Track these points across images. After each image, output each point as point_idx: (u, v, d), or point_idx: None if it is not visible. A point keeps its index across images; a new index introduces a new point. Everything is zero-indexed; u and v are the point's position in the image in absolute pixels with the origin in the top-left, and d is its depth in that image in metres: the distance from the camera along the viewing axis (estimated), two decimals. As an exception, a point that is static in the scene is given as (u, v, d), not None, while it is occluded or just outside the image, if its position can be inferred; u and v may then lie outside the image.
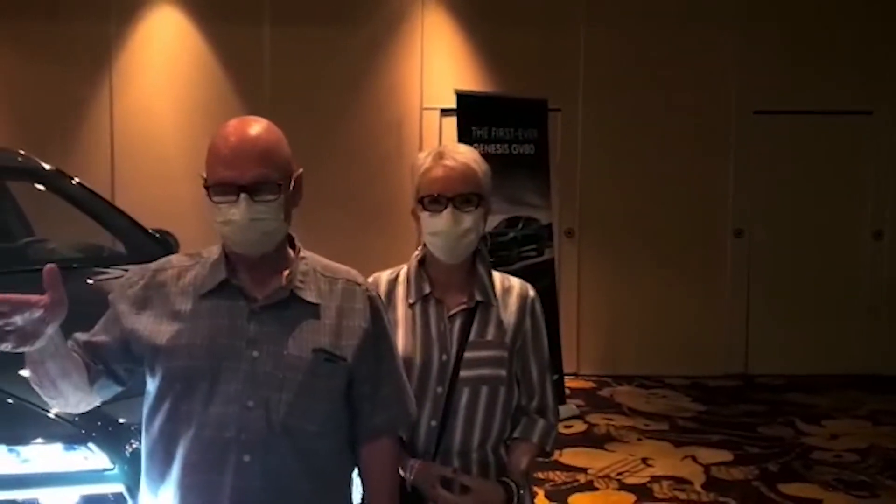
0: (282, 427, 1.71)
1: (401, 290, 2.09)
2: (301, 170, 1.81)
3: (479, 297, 2.05)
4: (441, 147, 2.07)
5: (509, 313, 2.08)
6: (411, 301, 2.06)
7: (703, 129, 6.73)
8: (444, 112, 6.41)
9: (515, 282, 2.13)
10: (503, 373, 2.04)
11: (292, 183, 1.77)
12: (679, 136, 6.69)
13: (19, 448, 2.32)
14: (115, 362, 1.77)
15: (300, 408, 1.72)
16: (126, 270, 1.87)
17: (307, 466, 1.74)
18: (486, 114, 5.51)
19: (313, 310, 1.77)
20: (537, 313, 2.12)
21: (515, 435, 2.10)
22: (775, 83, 6.67)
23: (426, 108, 6.66)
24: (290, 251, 1.84)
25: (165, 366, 1.73)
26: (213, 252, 1.82)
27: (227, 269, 1.77)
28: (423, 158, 2.04)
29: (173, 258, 1.86)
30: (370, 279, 2.09)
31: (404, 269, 2.11)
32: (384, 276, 2.12)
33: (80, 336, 1.77)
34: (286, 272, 1.78)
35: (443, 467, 1.98)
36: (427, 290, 2.05)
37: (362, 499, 1.89)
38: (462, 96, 5.41)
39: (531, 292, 2.12)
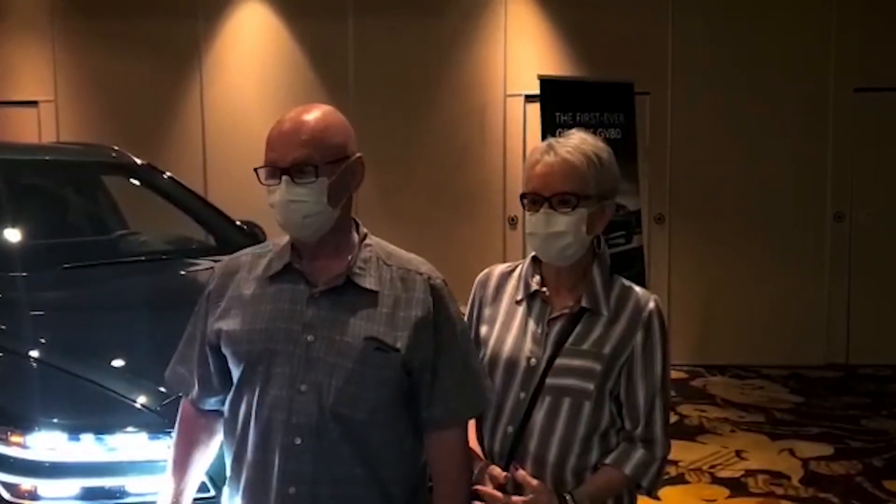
0: (331, 413, 1.71)
1: (511, 285, 1.99)
2: (358, 154, 1.80)
3: (584, 304, 1.89)
4: (554, 139, 1.91)
5: (619, 325, 1.88)
6: (518, 298, 1.96)
7: (799, 108, 6.47)
8: (529, 98, 6.33)
9: (636, 291, 1.93)
10: (591, 387, 1.85)
11: (343, 167, 1.76)
12: (774, 117, 6.45)
13: (106, 437, 2.38)
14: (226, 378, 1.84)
15: (348, 395, 1.72)
16: (216, 261, 1.98)
17: (360, 454, 1.74)
18: (571, 99, 5.40)
19: (370, 297, 1.76)
20: (653, 329, 1.88)
21: (607, 461, 1.87)
22: (876, 59, 6.37)
23: (510, 95, 6.60)
24: (355, 237, 1.83)
25: (230, 349, 1.79)
26: (284, 241, 1.86)
27: (293, 255, 1.80)
28: (535, 151, 1.89)
29: (249, 249, 1.92)
30: (485, 271, 2.04)
31: (522, 264, 2.01)
32: (498, 269, 2.04)
33: (195, 392, 1.87)
34: (348, 258, 1.79)
35: (495, 468, 1.86)
36: (533, 288, 1.93)
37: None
38: (545, 82, 5.32)
39: (651, 305, 1.90)
